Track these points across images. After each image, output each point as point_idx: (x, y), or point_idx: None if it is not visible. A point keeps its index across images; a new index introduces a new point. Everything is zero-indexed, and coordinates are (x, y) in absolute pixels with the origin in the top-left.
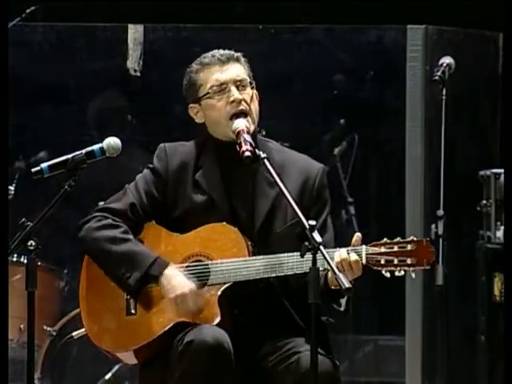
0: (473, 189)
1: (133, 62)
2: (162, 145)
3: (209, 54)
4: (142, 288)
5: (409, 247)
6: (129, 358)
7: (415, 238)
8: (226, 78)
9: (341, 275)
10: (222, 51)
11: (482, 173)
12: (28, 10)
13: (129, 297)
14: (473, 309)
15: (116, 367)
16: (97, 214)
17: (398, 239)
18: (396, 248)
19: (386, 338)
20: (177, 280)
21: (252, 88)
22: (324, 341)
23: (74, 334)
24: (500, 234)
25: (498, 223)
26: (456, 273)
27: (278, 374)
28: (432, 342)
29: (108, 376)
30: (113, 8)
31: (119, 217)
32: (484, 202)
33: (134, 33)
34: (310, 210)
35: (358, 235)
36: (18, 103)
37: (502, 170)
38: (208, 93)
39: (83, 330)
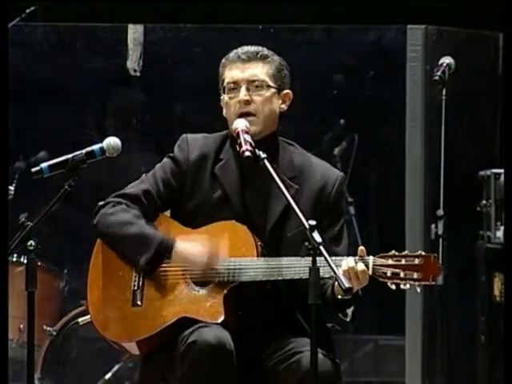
0: (473, 189)
1: (133, 62)
2: (184, 135)
3: (235, 51)
4: (154, 268)
5: (416, 261)
6: (132, 348)
7: (423, 253)
8: (239, 77)
9: (341, 275)
10: (248, 48)
11: (482, 173)
12: (28, 10)
13: (136, 288)
14: (473, 309)
15: (116, 367)
16: (111, 199)
17: (406, 252)
18: (403, 261)
19: (386, 337)
20: (189, 258)
21: (278, 87)
22: (327, 343)
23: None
24: (500, 234)
25: (498, 223)
26: (456, 273)
27: (278, 374)
28: (432, 342)
29: (108, 376)
30: (113, 8)
31: (133, 202)
32: (484, 202)
33: (134, 33)
34: (325, 217)
35: (362, 249)
36: (18, 103)
37: (501, 170)
38: (224, 88)
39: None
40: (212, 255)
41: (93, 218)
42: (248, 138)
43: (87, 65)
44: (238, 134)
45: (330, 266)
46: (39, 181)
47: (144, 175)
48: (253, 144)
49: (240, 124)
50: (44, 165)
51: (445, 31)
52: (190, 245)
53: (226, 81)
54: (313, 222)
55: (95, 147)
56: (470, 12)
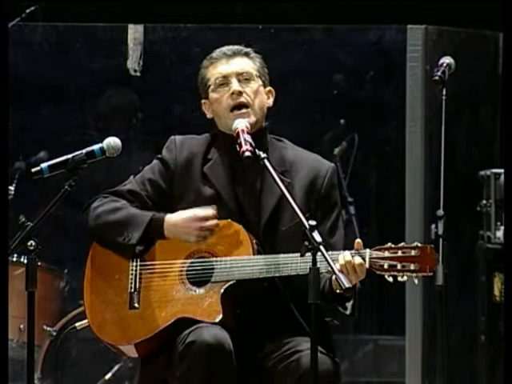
0: (473, 189)
1: (133, 62)
2: (172, 137)
3: (218, 50)
4: (146, 247)
5: (413, 253)
6: (130, 351)
7: (419, 244)
8: (228, 70)
9: (341, 275)
10: (230, 46)
11: (482, 173)
12: (28, 10)
13: (133, 290)
14: (473, 309)
15: (116, 367)
16: (96, 197)
17: (403, 244)
18: (400, 253)
19: (386, 338)
20: (181, 225)
21: (263, 83)
22: (327, 341)
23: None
24: (500, 234)
25: (498, 223)
26: (456, 273)
27: (278, 374)
28: (432, 342)
29: (108, 376)
30: (113, 8)
31: (120, 197)
32: (484, 201)
33: (134, 33)
34: (319, 209)
35: (358, 241)
36: (18, 103)
37: (501, 170)
38: (212, 85)
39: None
40: (203, 215)
41: (82, 216)
42: (248, 138)
43: (87, 65)
44: (237, 134)
45: (329, 266)
46: (39, 181)
47: (132, 177)
48: (253, 144)
49: (240, 124)
50: (44, 165)
51: (445, 31)
52: (179, 213)
53: (214, 77)
54: (313, 222)
55: (95, 147)
56: (470, 12)
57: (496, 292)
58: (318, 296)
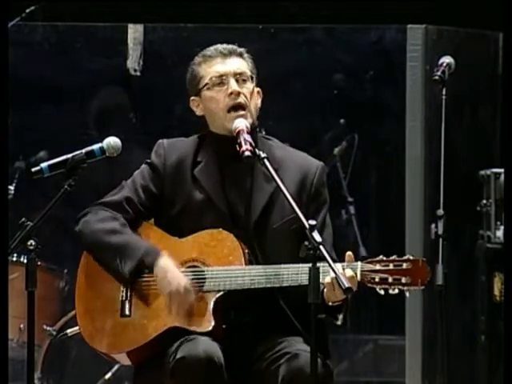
0: (473, 189)
1: (133, 62)
2: (160, 141)
3: (212, 48)
4: (136, 278)
5: (404, 266)
6: (123, 359)
7: (411, 257)
8: (226, 70)
9: (340, 274)
10: (225, 45)
11: (482, 173)
12: (28, 10)
13: (124, 298)
14: (473, 309)
15: (116, 367)
16: (94, 207)
17: (394, 257)
18: (391, 266)
19: (386, 337)
20: (171, 275)
21: (253, 83)
22: (321, 341)
23: (68, 331)
24: (500, 233)
25: (498, 223)
26: (456, 273)
27: (269, 375)
28: (432, 342)
29: (108, 376)
30: (113, 8)
31: (116, 209)
32: (484, 201)
33: (134, 33)
34: (309, 206)
35: (349, 254)
36: (18, 103)
37: (501, 170)
38: (207, 84)
39: (77, 327)
40: (190, 286)
41: (75, 226)
42: (248, 137)
43: (87, 65)
44: (238, 133)
45: (329, 265)
46: (39, 181)
47: (124, 182)
48: (253, 144)
49: (240, 124)
50: (44, 165)
51: (445, 31)
52: (175, 265)
53: (210, 76)
54: (313, 222)
55: (95, 147)
56: (469, 12)
57: (496, 292)
58: (318, 296)
